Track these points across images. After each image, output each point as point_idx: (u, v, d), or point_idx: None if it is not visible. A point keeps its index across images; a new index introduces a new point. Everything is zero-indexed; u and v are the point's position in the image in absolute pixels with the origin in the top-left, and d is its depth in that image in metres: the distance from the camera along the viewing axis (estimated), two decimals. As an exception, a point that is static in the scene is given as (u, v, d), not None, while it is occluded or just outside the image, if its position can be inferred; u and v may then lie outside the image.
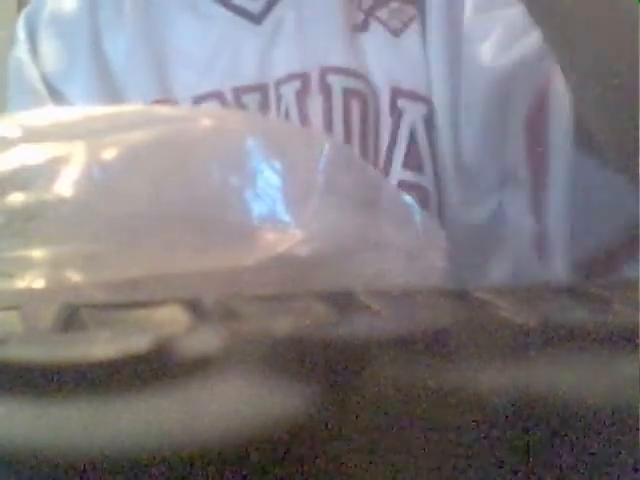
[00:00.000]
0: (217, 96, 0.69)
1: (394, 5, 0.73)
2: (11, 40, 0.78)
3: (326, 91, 0.70)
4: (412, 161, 0.69)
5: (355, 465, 0.15)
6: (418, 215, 0.43)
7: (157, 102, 0.70)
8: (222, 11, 0.73)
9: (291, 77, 0.70)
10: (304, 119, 0.69)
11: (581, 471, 0.16)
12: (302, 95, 0.70)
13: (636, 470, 0.16)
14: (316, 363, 0.18)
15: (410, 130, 0.70)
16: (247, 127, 0.41)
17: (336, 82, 0.70)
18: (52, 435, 0.15)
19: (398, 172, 0.68)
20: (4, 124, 0.39)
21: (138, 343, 0.18)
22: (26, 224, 0.36)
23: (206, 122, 0.40)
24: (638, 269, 0.59)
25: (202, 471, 0.15)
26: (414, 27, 0.72)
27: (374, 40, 0.71)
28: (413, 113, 0.70)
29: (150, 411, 0.16)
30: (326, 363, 0.18)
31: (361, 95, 0.70)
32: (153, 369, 0.18)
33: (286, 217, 0.38)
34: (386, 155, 0.69)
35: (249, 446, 0.15)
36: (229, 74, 0.70)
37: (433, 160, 0.70)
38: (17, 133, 0.39)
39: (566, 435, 0.16)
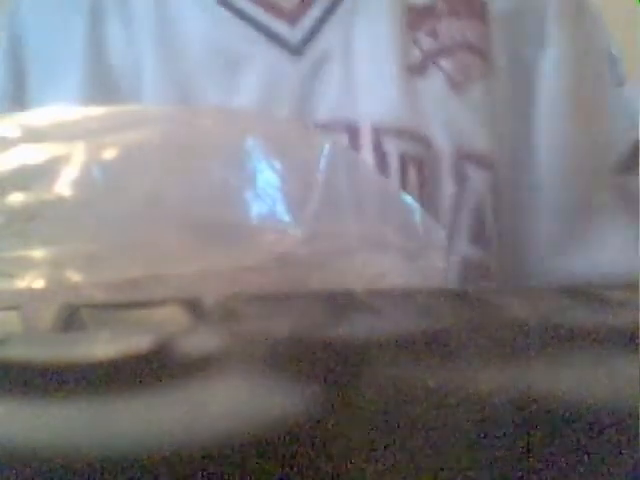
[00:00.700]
0: None
1: (461, 55, 0.62)
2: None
3: (380, 155, 0.59)
4: (478, 236, 0.60)
5: (355, 465, 0.15)
6: (418, 215, 0.43)
7: None
8: (255, 37, 0.61)
9: (337, 126, 0.59)
10: None
11: (581, 471, 0.16)
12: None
13: (636, 470, 0.16)
14: (316, 363, 0.18)
15: (476, 200, 0.60)
16: (247, 127, 0.41)
17: (392, 146, 0.59)
18: (52, 435, 0.15)
19: (462, 247, 0.60)
20: (4, 124, 0.39)
21: (138, 343, 0.18)
22: (26, 224, 0.36)
23: (206, 122, 0.40)
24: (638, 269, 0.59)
25: (202, 471, 0.15)
26: (481, 83, 0.62)
27: (433, 90, 0.61)
28: (481, 180, 0.61)
29: (150, 411, 0.16)
30: (326, 363, 0.18)
31: (420, 160, 0.60)
32: (153, 369, 0.18)
33: (286, 217, 0.38)
34: (448, 227, 0.59)
35: (249, 446, 0.15)
36: (261, 106, 0.60)
37: (499, 235, 0.61)
38: (17, 133, 0.39)
39: (566, 435, 0.16)
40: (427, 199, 0.59)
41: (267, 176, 0.39)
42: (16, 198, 0.36)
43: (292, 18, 0.62)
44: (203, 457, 0.15)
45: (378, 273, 0.39)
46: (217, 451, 0.15)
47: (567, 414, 0.16)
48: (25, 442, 0.15)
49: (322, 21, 0.62)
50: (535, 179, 0.62)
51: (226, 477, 0.15)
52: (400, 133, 0.60)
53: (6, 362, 0.17)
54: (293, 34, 0.61)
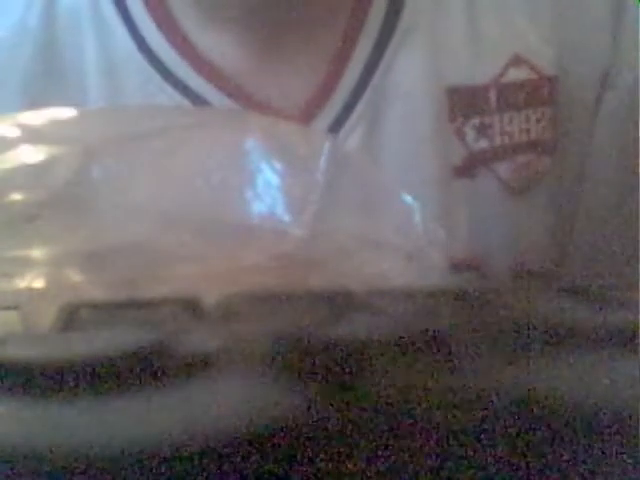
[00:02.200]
0: None
1: (523, 158, 0.49)
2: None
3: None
4: None
5: (355, 465, 0.15)
6: (418, 215, 0.43)
7: None
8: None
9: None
10: None
11: (581, 471, 0.16)
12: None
13: (636, 470, 0.16)
14: (316, 363, 0.18)
15: None
16: (247, 127, 0.41)
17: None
18: (52, 435, 0.15)
19: None
20: (4, 124, 0.39)
21: (138, 343, 0.18)
22: (26, 224, 0.36)
23: (206, 122, 0.40)
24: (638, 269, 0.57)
25: (202, 471, 0.15)
26: (544, 183, 0.50)
27: (482, 195, 0.49)
28: None
29: (150, 411, 0.16)
30: (326, 363, 0.18)
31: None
32: (153, 369, 0.18)
33: (286, 217, 0.38)
34: None
35: (249, 446, 0.15)
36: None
37: None
38: (17, 133, 0.39)
39: (566, 435, 0.16)
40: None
41: (267, 176, 0.39)
42: (16, 198, 0.36)
43: (309, 113, 0.52)
44: (203, 457, 0.15)
45: (378, 273, 0.39)
46: (217, 451, 0.15)
47: (567, 414, 0.16)
48: (25, 442, 0.15)
49: (343, 116, 0.51)
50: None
51: (226, 477, 0.15)
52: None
53: (6, 362, 0.17)
54: None
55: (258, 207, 0.38)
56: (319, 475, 0.15)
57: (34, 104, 0.50)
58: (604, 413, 0.17)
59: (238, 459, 0.15)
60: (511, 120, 0.49)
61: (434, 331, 0.20)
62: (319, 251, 0.38)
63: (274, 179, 0.39)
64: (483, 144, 0.49)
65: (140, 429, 0.15)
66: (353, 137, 0.51)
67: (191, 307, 0.26)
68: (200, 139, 0.39)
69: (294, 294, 0.28)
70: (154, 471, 0.14)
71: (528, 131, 0.50)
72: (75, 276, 0.35)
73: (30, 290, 0.34)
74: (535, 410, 0.17)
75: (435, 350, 0.19)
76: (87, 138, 0.38)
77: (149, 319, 0.26)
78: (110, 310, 0.27)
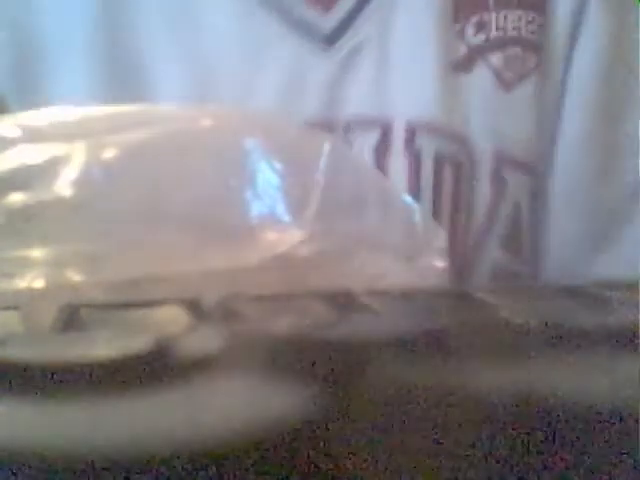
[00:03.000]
0: None
1: (513, 51, 0.57)
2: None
3: (414, 154, 0.56)
4: (511, 243, 0.57)
5: (355, 465, 0.15)
6: (418, 215, 0.43)
7: None
8: (281, 25, 0.56)
9: (367, 122, 0.56)
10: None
11: (581, 471, 0.16)
12: (381, 152, 0.55)
13: (636, 470, 0.16)
14: (316, 363, 0.18)
15: (514, 207, 0.57)
16: (247, 127, 0.41)
17: (427, 145, 0.56)
18: (52, 435, 0.15)
19: (493, 253, 0.57)
20: (4, 124, 0.39)
21: (138, 343, 0.18)
22: (26, 224, 0.36)
23: (206, 122, 0.40)
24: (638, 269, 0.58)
25: (202, 471, 0.15)
26: (532, 81, 0.57)
27: (479, 88, 0.57)
28: (520, 187, 0.57)
29: (150, 411, 0.16)
30: (326, 363, 0.18)
31: (456, 161, 0.56)
32: (153, 369, 0.18)
33: (286, 217, 0.38)
34: (481, 232, 0.57)
35: (249, 446, 0.15)
36: (290, 106, 0.55)
37: (534, 242, 0.58)
38: (17, 133, 0.39)
39: (566, 435, 0.16)
40: (462, 202, 0.57)
41: (267, 176, 0.39)
42: (16, 198, 0.36)
43: (325, 5, 0.57)
44: (203, 457, 0.15)
45: (378, 273, 0.39)
46: (217, 451, 0.15)
47: (567, 414, 0.16)
48: (25, 442, 0.15)
49: (358, 9, 0.57)
50: (560, 177, 0.59)
51: (226, 477, 0.15)
52: (436, 131, 0.56)
53: (6, 362, 0.17)
54: (325, 22, 0.56)
55: (258, 207, 0.38)
56: (319, 475, 0.15)
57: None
58: (604, 413, 0.17)
59: (238, 459, 0.15)
60: (505, 17, 0.57)
61: (434, 331, 0.20)
62: (319, 251, 0.38)
63: (274, 179, 0.39)
64: (480, 38, 0.57)
65: (140, 429, 0.15)
66: (365, 30, 0.56)
67: (191, 307, 0.26)
68: (200, 139, 0.39)
69: (294, 294, 0.28)
70: (154, 471, 0.14)
71: (519, 29, 0.57)
72: (75, 276, 0.35)
73: (30, 290, 0.34)
74: (535, 410, 0.17)
75: (435, 350, 0.19)
76: (87, 138, 0.38)
77: (149, 319, 0.26)
78: (110, 310, 0.27)
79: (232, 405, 0.17)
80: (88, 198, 0.37)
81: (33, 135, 0.39)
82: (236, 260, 0.36)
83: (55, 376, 0.17)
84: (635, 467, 0.16)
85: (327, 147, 0.41)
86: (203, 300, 0.27)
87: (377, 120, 0.56)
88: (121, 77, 0.56)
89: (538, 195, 0.58)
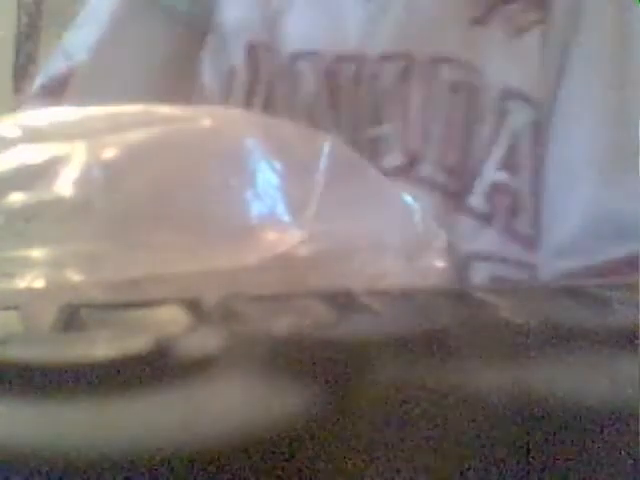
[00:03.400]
0: (315, 58, 0.67)
1: (519, 5, 0.68)
2: (11, 40, 0.77)
3: (432, 79, 0.66)
4: (509, 162, 0.65)
5: (355, 465, 0.15)
6: (418, 215, 0.43)
7: (255, 45, 0.67)
8: None
9: (395, 56, 0.66)
10: (402, 103, 0.65)
11: (581, 471, 0.16)
12: (404, 78, 0.66)
13: (636, 470, 0.16)
14: (316, 363, 0.18)
15: (513, 132, 0.65)
16: (247, 127, 0.41)
17: (444, 72, 0.66)
18: (52, 435, 0.15)
19: (491, 172, 0.65)
20: (4, 124, 0.39)
21: (138, 343, 0.18)
22: (26, 224, 0.36)
23: (206, 122, 0.40)
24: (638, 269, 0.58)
25: (202, 471, 0.15)
26: (537, 30, 0.67)
27: (492, 37, 0.67)
28: (520, 116, 0.66)
29: (150, 411, 0.16)
30: (326, 363, 0.18)
31: (468, 88, 0.66)
32: (153, 369, 0.18)
33: (286, 217, 0.38)
34: (483, 152, 0.65)
35: (249, 446, 0.15)
36: (329, 37, 0.68)
37: (534, 164, 0.65)
38: (17, 133, 0.39)
39: (566, 435, 0.16)
40: (469, 126, 0.65)
41: (267, 176, 0.39)
42: (16, 198, 0.36)
43: None
44: (203, 457, 0.15)
45: (378, 273, 0.39)
46: (217, 451, 0.15)
47: (567, 414, 0.16)
48: (25, 442, 0.15)
49: None
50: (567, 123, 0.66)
51: (226, 477, 0.15)
52: (453, 61, 0.65)
53: (6, 362, 0.17)
54: None
55: (258, 207, 0.38)
56: (319, 475, 0.15)
57: None
58: (604, 413, 0.17)
59: (238, 459, 0.15)
60: None
61: (434, 331, 0.20)
62: (319, 251, 0.38)
63: (274, 179, 0.39)
64: None
65: (140, 429, 0.15)
66: None
67: (191, 307, 0.26)
68: (200, 139, 0.39)
69: (294, 294, 0.28)
70: (154, 471, 0.14)
71: None
72: (75, 276, 0.35)
73: (30, 290, 0.34)
74: (535, 410, 0.17)
75: (435, 350, 0.19)
76: (87, 138, 0.38)
77: (149, 319, 0.26)
78: (110, 310, 0.27)
79: (232, 405, 0.17)
80: (88, 198, 0.37)
81: (33, 135, 0.39)
82: (236, 260, 0.36)
83: (55, 376, 0.17)
84: (635, 467, 0.16)
85: (327, 147, 0.41)
86: (203, 300, 0.27)
87: (402, 54, 0.66)
88: None
89: (538, 125, 0.65)
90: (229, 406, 0.16)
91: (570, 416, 0.16)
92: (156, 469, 0.14)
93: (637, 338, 0.20)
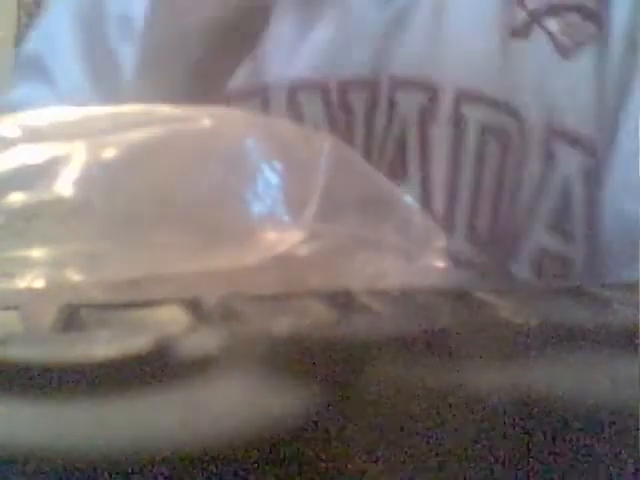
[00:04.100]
0: (318, 88, 0.54)
1: (571, 17, 0.55)
2: (11, 40, 0.77)
3: (459, 123, 0.54)
4: (561, 224, 0.53)
5: (355, 465, 0.15)
6: (418, 215, 0.43)
7: (242, 91, 0.53)
8: None
9: (414, 85, 0.54)
10: (422, 151, 0.53)
11: (581, 471, 0.16)
12: (427, 118, 0.54)
13: (636, 470, 0.16)
14: (316, 363, 0.18)
15: (562, 184, 0.53)
16: (247, 127, 0.41)
17: (473, 115, 0.54)
18: (52, 435, 0.15)
19: (540, 235, 0.54)
20: (4, 124, 0.39)
21: (138, 343, 0.18)
22: (26, 224, 0.36)
23: (206, 122, 0.40)
24: (638, 270, 0.55)
25: (202, 471, 0.15)
26: (591, 50, 0.55)
27: (535, 55, 0.55)
28: (571, 161, 0.53)
29: (150, 411, 0.16)
30: (326, 363, 0.18)
31: (503, 134, 0.54)
32: (153, 369, 0.18)
33: (286, 217, 0.38)
34: (527, 211, 0.53)
35: (249, 446, 0.15)
36: (335, 61, 0.54)
37: (589, 227, 0.53)
38: (17, 133, 0.39)
39: (566, 435, 0.16)
40: (508, 176, 0.53)
41: (267, 176, 0.39)
42: (16, 198, 0.36)
43: None
44: (203, 457, 0.15)
45: (378, 273, 0.39)
46: (217, 451, 0.15)
47: (567, 414, 0.16)
48: (25, 442, 0.15)
49: None
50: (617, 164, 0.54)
51: (226, 477, 0.15)
52: (485, 101, 0.54)
53: (6, 362, 0.17)
54: None
55: (258, 207, 0.38)
56: (319, 475, 0.15)
57: None
58: (604, 413, 0.17)
59: (238, 459, 0.15)
60: None
61: (434, 331, 0.20)
62: (319, 251, 0.38)
63: (274, 179, 0.39)
64: (539, 3, 0.55)
65: (140, 429, 0.15)
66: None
67: (191, 307, 0.26)
68: (200, 139, 0.39)
69: (294, 294, 0.28)
70: (154, 471, 0.14)
71: None
72: (75, 276, 0.35)
73: (30, 290, 0.34)
74: (535, 410, 0.17)
75: (435, 350, 0.19)
76: (87, 138, 0.38)
77: (149, 319, 0.26)
78: (110, 310, 0.27)
79: (232, 405, 0.17)
80: (88, 198, 0.37)
81: (33, 135, 0.39)
82: (236, 260, 0.36)
83: (55, 376, 0.17)
84: (635, 467, 0.16)
85: (327, 147, 0.41)
86: (203, 300, 0.27)
87: (425, 81, 0.54)
88: None
89: (593, 174, 0.54)
90: (229, 406, 0.16)
91: (570, 416, 0.16)
92: (156, 469, 0.14)
93: (637, 338, 0.20)
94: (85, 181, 0.36)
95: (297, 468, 0.15)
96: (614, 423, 0.16)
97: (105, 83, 0.56)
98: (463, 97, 0.54)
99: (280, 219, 0.38)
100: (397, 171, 0.54)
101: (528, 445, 0.16)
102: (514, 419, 0.16)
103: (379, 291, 0.29)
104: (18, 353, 0.18)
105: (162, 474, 0.14)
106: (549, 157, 0.54)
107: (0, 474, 0.14)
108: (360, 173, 0.44)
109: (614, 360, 0.19)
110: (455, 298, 0.28)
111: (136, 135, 0.38)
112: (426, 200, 0.53)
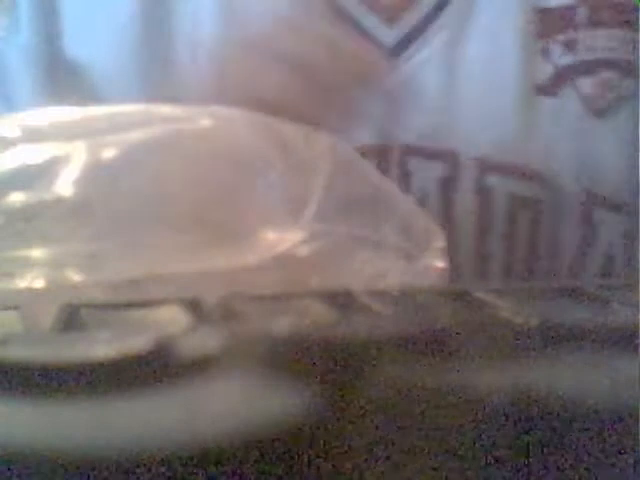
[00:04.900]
0: None
1: (606, 75, 0.50)
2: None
3: (485, 194, 0.49)
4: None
5: (355, 465, 0.15)
6: (418, 215, 0.43)
7: None
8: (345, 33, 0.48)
9: (431, 151, 0.49)
10: (448, 217, 0.48)
11: (581, 471, 0.16)
12: (448, 188, 0.49)
13: (636, 470, 0.16)
14: (316, 363, 0.18)
15: (607, 249, 0.50)
16: (247, 127, 0.41)
17: (500, 185, 0.49)
18: (52, 435, 0.15)
19: None
20: (4, 124, 0.39)
21: (138, 343, 0.18)
22: (26, 224, 0.36)
23: (206, 122, 0.40)
24: (638, 270, 0.55)
25: (202, 471, 0.15)
26: (627, 108, 0.49)
27: (566, 114, 0.49)
28: (612, 227, 0.50)
29: (150, 411, 0.16)
30: (326, 363, 0.18)
31: (533, 204, 0.49)
32: (153, 369, 0.18)
33: (286, 217, 0.38)
34: (570, 275, 0.49)
35: (249, 446, 0.15)
36: None
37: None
38: (17, 133, 0.39)
39: (566, 435, 0.16)
40: (544, 245, 0.49)
41: (267, 176, 0.39)
42: (16, 198, 0.36)
43: (391, 15, 0.51)
44: (203, 457, 0.15)
45: (378, 273, 0.39)
46: (217, 451, 0.15)
47: (567, 414, 0.16)
48: (25, 442, 0.15)
49: (426, 21, 0.51)
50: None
51: (226, 477, 0.15)
52: (510, 170, 0.49)
53: (6, 362, 0.17)
54: (390, 35, 0.51)
55: (258, 207, 0.38)
56: (319, 475, 0.15)
57: None
58: (604, 413, 0.17)
59: (238, 459, 0.15)
60: (595, 37, 0.50)
61: (434, 331, 0.20)
62: (319, 251, 0.38)
63: (274, 179, 0.39)
64: (568, 59, 0.49)
65: (140, 429, 0.15)
66: (434, 44, 0.50)
67: (191, 307, 0.26)
68: (200, 139, 0.39)
69: (294, 294, 0.28)
70: (154, 471, 0.14)
71: (613, 49, 0.50)
72: (75, 276, 0.35)
73: (30, 290, 0.34)
74: (535, 410, 0.17)
75: (435, 350, 0.19)
76: (87, 138, 0.38)
77: (149, 319, 0.26)
78: (110, 310, 0.27)
79: (232, 405, 0.17)
80: (88, 198, 0.37)
81: (33, 135, 0.39)
82: (236, 260, 0.36)
83: (55, 376, 0.17)
84: (635, 467, 0.16)
85: (327, 147, 0.41)
86: (203, 300, 0.27)
87: (441, 150, 0.49)
88: None
89: (630, 237, 0.50)
90: (229, 406, 0.16)
91: (570, 416, 0.16)
92: (156, 469, 0.14)
93: (637, 338, 0.20)
94: (85, 181, 0.36)
95: (297, 468, 0.15)
96: (614, 423, 0.16)
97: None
98: (487, 169, 0.49)
99: (280, 219, 0.38)
100: None
101: (528, 445, 0.16)
102: (514, 419, 0.16)
103: (379, 291, 0.29)
104: (18, 353, 0.18)
105: (162, 474, 0.14)
106: (589, 224, 0.50)
107: (0, 474, 0.14)
108: (360, 173, 0.44)
109: (614, 360, 0.19)
110: (455, 298, 0.28)
111: (136, 135, 0.38)
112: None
